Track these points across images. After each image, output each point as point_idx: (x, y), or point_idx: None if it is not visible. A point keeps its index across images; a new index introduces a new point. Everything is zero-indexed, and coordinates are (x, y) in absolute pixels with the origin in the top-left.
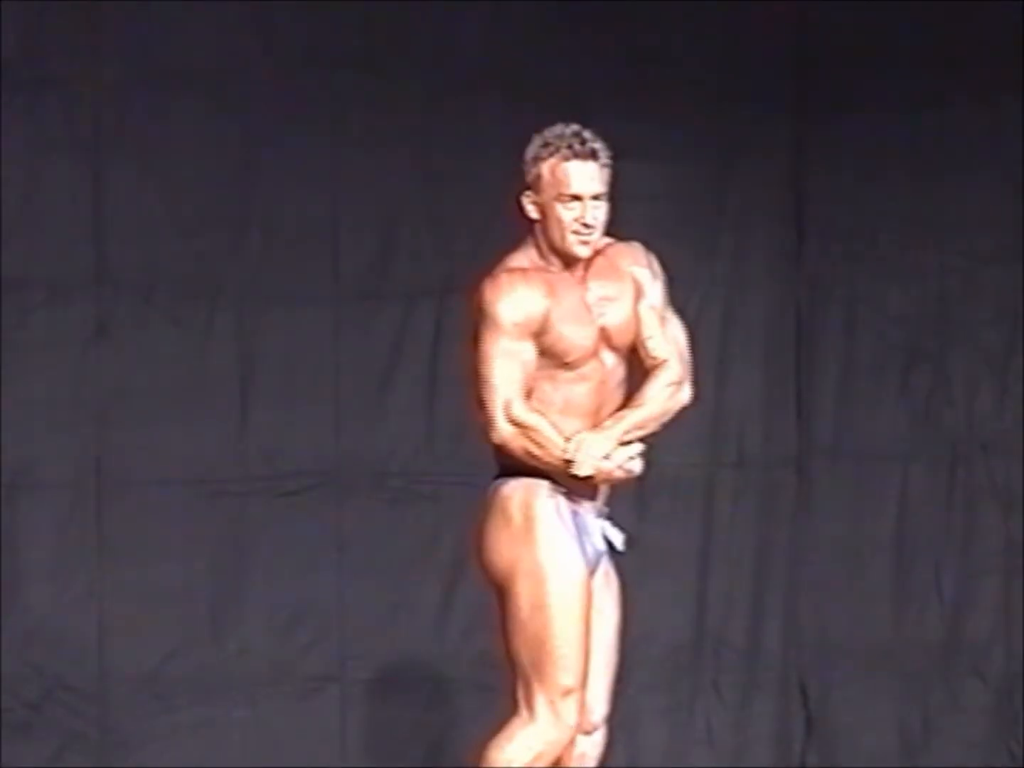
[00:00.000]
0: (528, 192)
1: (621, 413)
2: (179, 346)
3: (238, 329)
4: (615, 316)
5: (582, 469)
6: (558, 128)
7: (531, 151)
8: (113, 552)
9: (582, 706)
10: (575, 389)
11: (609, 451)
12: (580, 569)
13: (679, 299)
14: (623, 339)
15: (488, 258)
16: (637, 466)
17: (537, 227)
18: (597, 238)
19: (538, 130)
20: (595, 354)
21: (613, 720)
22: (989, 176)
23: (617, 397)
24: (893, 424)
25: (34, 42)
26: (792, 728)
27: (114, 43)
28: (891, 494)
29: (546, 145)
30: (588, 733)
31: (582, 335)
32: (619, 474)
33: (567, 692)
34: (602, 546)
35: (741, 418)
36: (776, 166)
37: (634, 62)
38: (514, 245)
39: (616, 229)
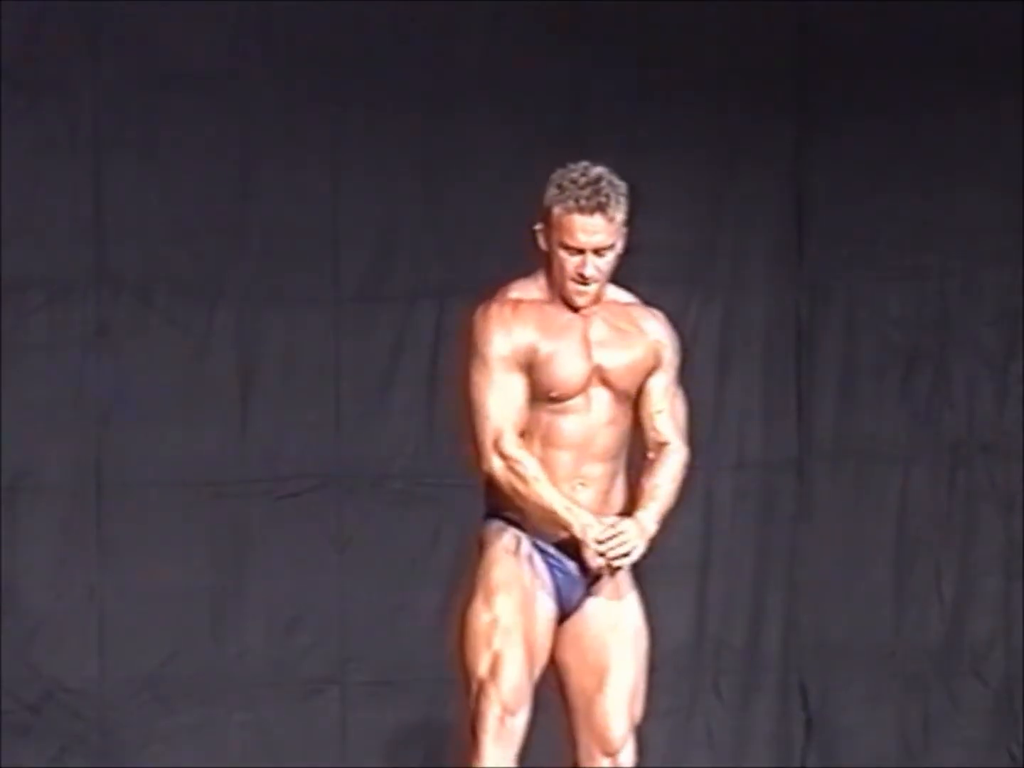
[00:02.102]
0: (541, 225)
1: (648, 505)
2: (180, 348)
3: (239, 331)
4: (616, 360)
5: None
6: (575, 172)
7: (547, 189)
8: (113, 554)
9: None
10: (559, 421)
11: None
12: (514, 598)
13: (680, 301)
14: (620, 382)
15: (488, 260)
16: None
17: (549, 259)
18: (597, 289)
19: (536, 130)
20: (584, 390)
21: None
22: (990, 178)
23: (606, 435)
24: (893, 426)
25: (34, 43)
26: (792, 729)
27: (114, 43)
28: (891, 496)
29: (560, 189)
30: (609, 755)
31: (571, 371)
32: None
33: (484, 682)
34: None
35: (741, 420)
36: (777, 168)
37: (633, 63)
38: (515, 255)
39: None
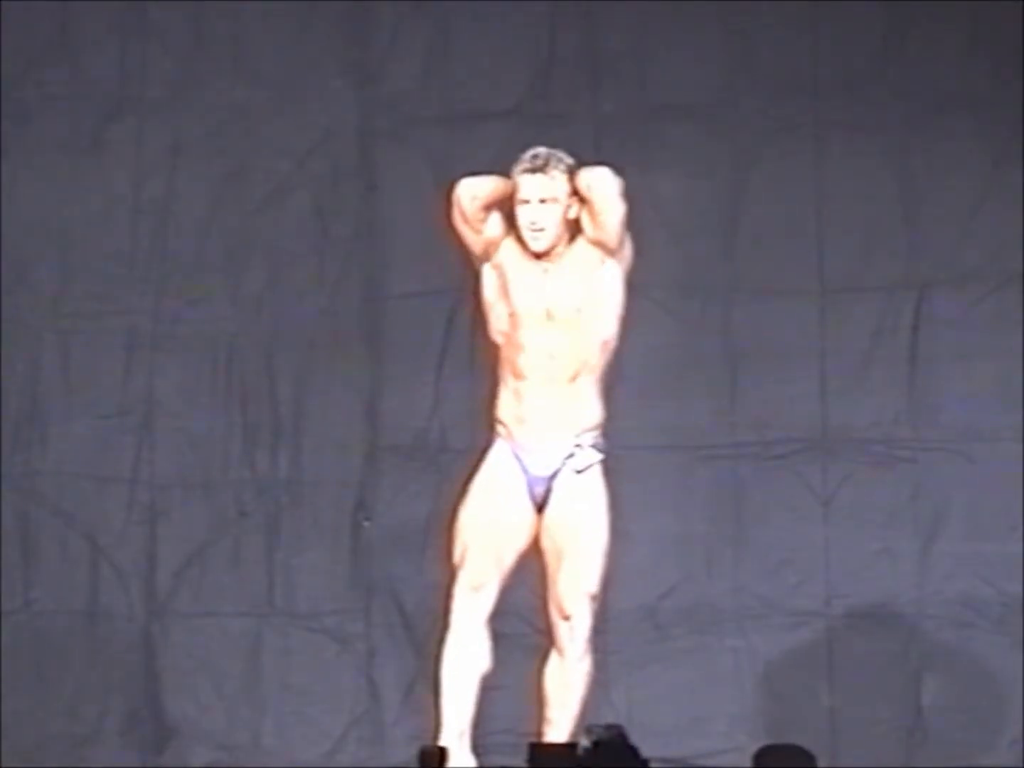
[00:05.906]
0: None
1: None
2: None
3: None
4: (568, 299)
5: None
6: (527, 152)
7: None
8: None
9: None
10: (518, 359)
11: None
12: (490, 497)
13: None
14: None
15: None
16: None
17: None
18: (549, 234)
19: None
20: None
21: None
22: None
23: (559, 365)
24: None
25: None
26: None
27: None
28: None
29: (517, 164)
30: (566, 619)
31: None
32: None
33: (456, 567)
34: (547, 472)
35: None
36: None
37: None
38: None
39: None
